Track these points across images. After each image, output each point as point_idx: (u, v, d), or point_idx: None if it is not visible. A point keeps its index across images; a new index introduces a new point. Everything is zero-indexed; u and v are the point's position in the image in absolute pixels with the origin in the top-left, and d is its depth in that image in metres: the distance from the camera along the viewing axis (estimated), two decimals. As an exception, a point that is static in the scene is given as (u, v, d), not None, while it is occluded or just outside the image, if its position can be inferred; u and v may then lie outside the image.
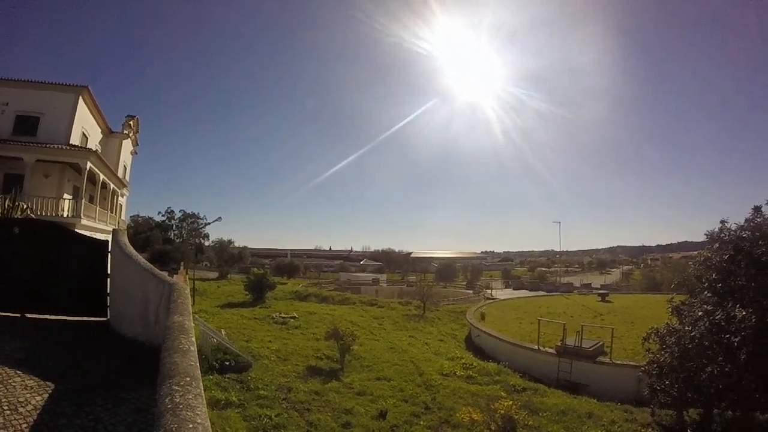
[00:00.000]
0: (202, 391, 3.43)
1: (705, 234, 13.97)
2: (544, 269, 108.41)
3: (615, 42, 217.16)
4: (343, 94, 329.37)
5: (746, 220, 12.94)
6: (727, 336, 11.16)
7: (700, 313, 12.70)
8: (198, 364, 4.19)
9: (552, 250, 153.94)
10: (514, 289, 67.50)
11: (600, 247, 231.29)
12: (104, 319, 9.79)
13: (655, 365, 13.83)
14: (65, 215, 22.07)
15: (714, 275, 13.08)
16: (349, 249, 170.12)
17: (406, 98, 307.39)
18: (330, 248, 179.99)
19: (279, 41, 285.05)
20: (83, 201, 23.05)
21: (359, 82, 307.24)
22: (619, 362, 18.47)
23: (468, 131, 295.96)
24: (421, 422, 12.51)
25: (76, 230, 17.80)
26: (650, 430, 12.81)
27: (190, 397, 3.11)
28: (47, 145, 23.28)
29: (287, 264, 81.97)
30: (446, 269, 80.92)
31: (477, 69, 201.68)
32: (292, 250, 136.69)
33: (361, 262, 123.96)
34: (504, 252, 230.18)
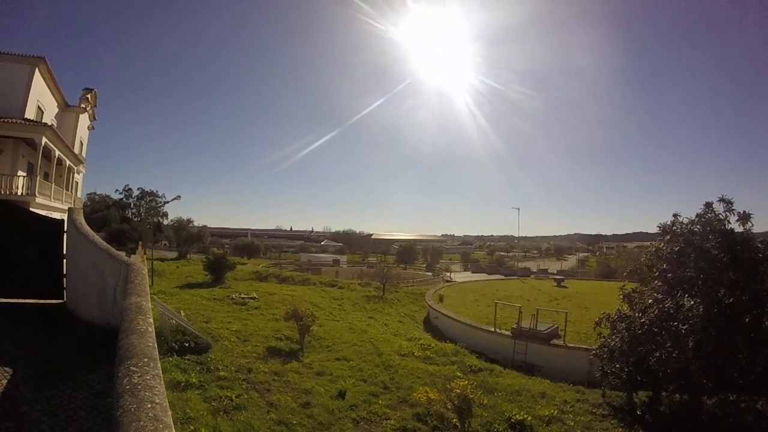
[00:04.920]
0: (160, 372, 3.37)
1: (658, 226, 14.50)
2: (502, 254, 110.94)
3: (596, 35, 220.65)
4: (309, 77, 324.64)
5: (698, 215, 13.44)
6: (676, 324, 11.65)
7: (650, 301, 13.23)
8: (156, 345, 4.11)
9: (511, 235, 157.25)
10: (472, 272, 68.62)
11: (558, 234, 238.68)
12: (61, 301, 9.46)
13: (606, 349, 14.38)
14: (19, 193, 21.03)
15: (665, 265, 13.63)
16: (310, 229, 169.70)
17: (373, 84, 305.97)
18: (291, 228, 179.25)
19: (245, 20, 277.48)
20: (38, 178, 22.03)
21: (327, 65, 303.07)
22: (572, 345, 19.14)
23: (433, 118, 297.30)
24: (380, 401, 12.60)
25: (30, 209, 17.06)
26: (601, 410, 13.28)
27: (149, 377, 3.08)
28: (0, 119, 22.03)
29: (247, 244, 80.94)
30: (406, 251, 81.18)
31: (446, 57, 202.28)
32: (252, 229, 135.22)
33: (322, 243, 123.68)
34: (464, 236, 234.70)
